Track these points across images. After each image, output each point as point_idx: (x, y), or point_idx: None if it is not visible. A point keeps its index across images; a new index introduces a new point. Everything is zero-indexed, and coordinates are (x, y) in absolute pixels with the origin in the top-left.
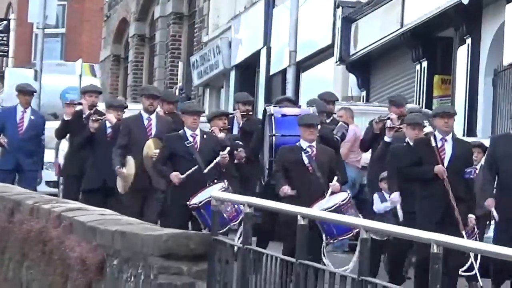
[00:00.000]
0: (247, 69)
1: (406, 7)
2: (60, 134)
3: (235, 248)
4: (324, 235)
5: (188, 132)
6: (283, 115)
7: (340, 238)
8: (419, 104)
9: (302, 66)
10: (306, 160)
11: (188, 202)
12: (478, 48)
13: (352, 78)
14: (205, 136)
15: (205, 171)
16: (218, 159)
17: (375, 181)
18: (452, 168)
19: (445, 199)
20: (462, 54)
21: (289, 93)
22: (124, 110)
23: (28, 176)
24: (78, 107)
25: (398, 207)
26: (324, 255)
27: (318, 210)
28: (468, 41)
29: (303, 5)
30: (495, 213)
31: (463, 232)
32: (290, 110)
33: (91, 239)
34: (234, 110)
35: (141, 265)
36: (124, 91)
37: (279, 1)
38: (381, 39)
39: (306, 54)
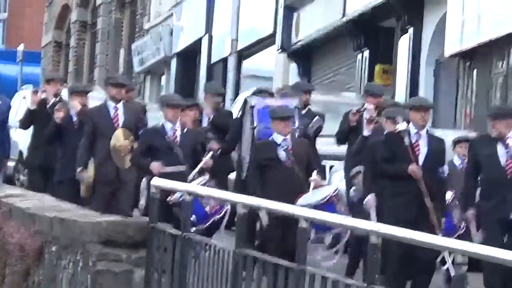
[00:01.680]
0: (188, 57)
1: None
2: (25, 124)
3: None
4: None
5: (168, 126)
6: (266, 106)
7: (329, 231)
8: (360, 93)
9: (244, 54)
10: (282, 156)
11: (168, 199)
12: (419, 38)
13: (294, 67)
14: (185, 130)
15: (190, 177)
16: (201, 164)
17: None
18: (427, 166)
19: (419, 198)
20: (403, 44)
21: (230, 81)
22: (88, 94)
23: None
24: (43, 96)
25: (372, 211)
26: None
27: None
28: (410, 31)
29: None
30: (473, 229)
31: (439, 234)
32: (272, 101)
33: (30, 225)
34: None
35: (79, 252)
36: (66, 76)
37: None
38: (323, 28)
39: (247, 42)
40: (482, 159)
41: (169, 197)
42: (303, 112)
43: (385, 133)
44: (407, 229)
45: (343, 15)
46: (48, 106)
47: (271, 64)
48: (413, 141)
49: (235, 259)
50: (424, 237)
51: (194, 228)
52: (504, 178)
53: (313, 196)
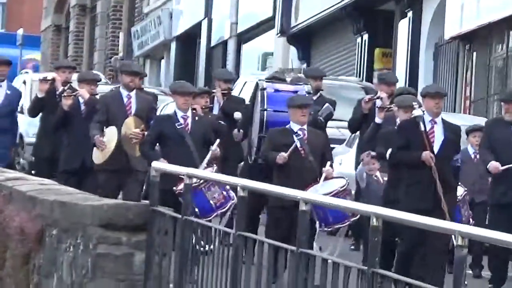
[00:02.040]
0: (188, 41)
1: None
2: (33, 112)
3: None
4: (318, 223)
5: (179, 114)
6: (276, 90)
7: (336, 226)
8: (359, 76)
9: (243, 38)
10: (298, 144)
11: (174, 188)
12: (419, 22)
13: (293, 50)
14: (197, 118)
15: (200, 169)
16: (209, 155)
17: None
18: (442, 154)
19: (433, 187)
20: (403, 28)
21: (230, 64)
22: (98, 83)
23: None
24: (50, 84)
25: (362, 182)
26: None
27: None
28: (410, 14)
29: None
30: (505, 167)
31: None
32: (283, 86)
33: (30, 209)
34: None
35: (80, 235)
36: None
37: None
38: (323, 11)
39: (247, 26)
40: (495, 142)
41: (175, 187)
42: (315, 98)
43: (398, 121)
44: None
45: None
46: (57, 94)
47: (271, 48)
48: (427, 129)
49: (236, 242)
50: (424, 220)
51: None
52: None
53: (322, 188)
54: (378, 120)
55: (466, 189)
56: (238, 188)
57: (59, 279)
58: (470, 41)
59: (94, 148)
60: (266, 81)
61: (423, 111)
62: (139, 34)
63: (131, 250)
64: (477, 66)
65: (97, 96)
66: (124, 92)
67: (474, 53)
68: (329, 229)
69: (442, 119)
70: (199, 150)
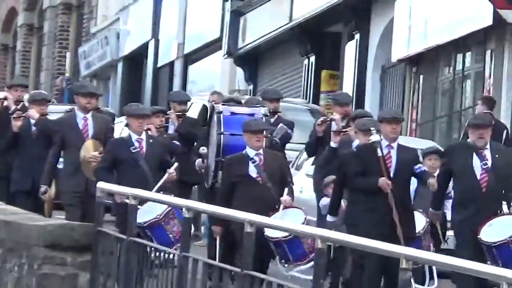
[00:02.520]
0: (135, 61)
1: (295, 1)
2: None
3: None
4: (278, 258)
5: (134, 137)
6: (233, 113)
7: (295, 264)
8: (305, 98)
9: (190, 58)
10: (254, 171)
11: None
12: (366, 44)
13: (240, 72)
14: (151, 140)
15: (153, 191)
16: (165, 177)
17: (320, 186)
18: (398, 177)
19: (388, 213)
20: (350, 50)
21: (176, 85)
22: (48, 103)
23: None
24: (4, 103)
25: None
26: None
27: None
28: (357, 36)
29: None
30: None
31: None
32: (240, 109)
33: None
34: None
35: (25, 255)
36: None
37: None
38: (270, 33)
39: (194, 46)
40: (456, 167)
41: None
42: (272, 120)
43: (356, 145)
44: (351, 235)
45: (290, 20)
46: (10, 112)
47: (218, 69)
48: (385, 153)
49: (181, 263)
50: (369, 243)
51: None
52: (479, 191)
53: (283, 218)
54: (333, 144)
55: (428, 219)
56: (184, 209)
57: None
58: (417, 63)
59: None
60: (222, 104)
61: (381, 136)
62: (86, 54)
63: (76, 271)
64: (424, 88)
65: (48, 116)
66: (80, 115)
67: (421, 76)
68: (290, 266)
69: (398, 143)
70: (154, 173)
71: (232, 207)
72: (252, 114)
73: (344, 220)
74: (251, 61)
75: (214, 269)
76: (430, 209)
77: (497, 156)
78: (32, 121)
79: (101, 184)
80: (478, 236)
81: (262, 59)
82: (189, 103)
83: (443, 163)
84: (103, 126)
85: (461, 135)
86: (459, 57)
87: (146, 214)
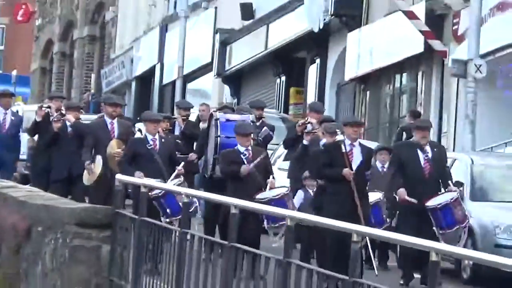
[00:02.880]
0: (145, 80)
1: (270, 34)
2: (31, 132)
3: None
4: (265, 221)
5: (149, 137)
6: (227, 120)
7: (274, 225)
8: (278, 109)
9: (188, 78)
10: (245, 162)
11: (150, 193)
12: (325, 67)
13: (227, 88)
14: (163, 140)
15: (169, 181)
16: (175, 172)
17: (295, 178)
18: (359, 170)
19: (351, 197)
20: (312, 71)
21: (177, 99)
22: (81, 110)
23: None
24: (47, 110)
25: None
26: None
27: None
28: (317, 61)
29: (190, 30)
30: (410, 199)
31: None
32: (233, 116)
33: (21, 210)
34: (173, 114)
35: (59, 231)
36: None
37: (171, 27)
38: (250, 58)
39: (191, 69)
40: (405, 160)
41: (150, 191)
42: (258, 124)
43: (323, 143)
44: (315, 215)
45: (266, 48)
46: (51, 118)
47: (210, 86)
48: (347, 150)
49: (180, 238)
50: (328, 222)
51: (167, 220)
52: (423, 177)
53: (269, 192)
54: (305, 141)
55: (383, 193)
56: (183, 196)
57: (43, 266)
58: (364, 82)
59: (85, 171)
60: (219, 112)
61: (344, 137)
62: (107, 75)
63: (99, 243)
64: (370, 101)
65: (81, 120)
66: (108, 120)
67: (368, 92)
68: (274, 226)
69: (359, 142)
70: (165, 165)
71: (228, 188)
72: (243, 120)
73: (313, 204)
74: (236, 80)
75: (207, 243)
76: (398, 191)
77: (435, 150)
78: (68, 124)
79: (119, 176)
80: (426, 204)
81: (244, 78)
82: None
83: (394, 159)
84: (125, 129)
85: (395, 136)
86: (398, 77)
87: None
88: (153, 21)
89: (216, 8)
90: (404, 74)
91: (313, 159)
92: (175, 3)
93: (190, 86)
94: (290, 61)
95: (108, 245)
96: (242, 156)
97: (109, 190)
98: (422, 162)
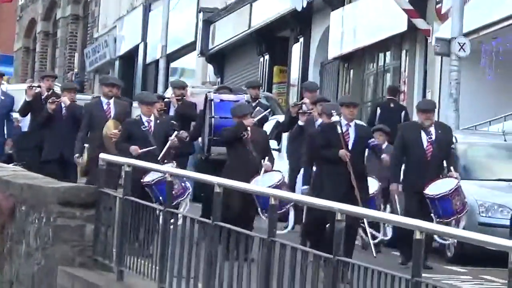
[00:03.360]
0: (128, 59)
1: (253, 12)
2: (23, 112)
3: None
4: (259, 209)
5: (144, 118)
6: (221, 100)
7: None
8: (262, 88)
9: (171, 57)
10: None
11: (142, 180)
12: (308, 46)
13: (210, 67)
14: (158, 121)
15: (159, 157)
16: (168, 144)
17: (292, 156)
18: (355, 150)
19: (347, 178)
20: (296, 50)
21: (161, 79)
22: (76, 91)
23: None
24: (37, 90)
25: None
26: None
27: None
28: (301, 40)
29: (173, 10)
30: (396, 198)
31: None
32: (227, 96)
33: (4, 190)
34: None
35: (43, 211)
36: (32, 75)
37: (154, 6)
38: (233, 37)
39: (174, 48)
40: (408, 142)
41: (142, 178)
42: (254, 104)
43: (319, 124)
44: (296, 194)
45: (249, 27)
46: (42, 98)
47: (193, 65)
48: (344, 130)
49: (164, 217)
50: (307, 199)
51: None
52: (425, 159)
53: (263, 182)
54: (300, 122)
55: (380, 183)
56: (167, 175)
57: (26, 245)
58: (348, 60)
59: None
60: (213, 93)
61: (340, 117)
62: (90, 54)
63: (83, 223)
64: (353, 80)
65: (76, 102)
66: (104, 100)
67: (351, 70)
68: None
69: (355, 122)
70: (160, 146)
71: (223, 170)
72: (237, 101)
73: (312, 186)
74: (219, 59)
75: (192, 221)
76: (392, 183)
77: (439, 132)
78: (63, 105)
79: (102, 155)
80: (424, 192)
81: (227, 57)
82: (170, 93)
83: (398, 140)
84: (122, 110)
85: (370, 113)
86: (381, 55)
87: (154, 174)
88: (136, 0)
89: None
90: (388, 53)
91: (309, 140)
92: None
93: (173, 65)
94: (273, 40)
95: (92, 224)
96: (241, 137)
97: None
98: (425, 144)
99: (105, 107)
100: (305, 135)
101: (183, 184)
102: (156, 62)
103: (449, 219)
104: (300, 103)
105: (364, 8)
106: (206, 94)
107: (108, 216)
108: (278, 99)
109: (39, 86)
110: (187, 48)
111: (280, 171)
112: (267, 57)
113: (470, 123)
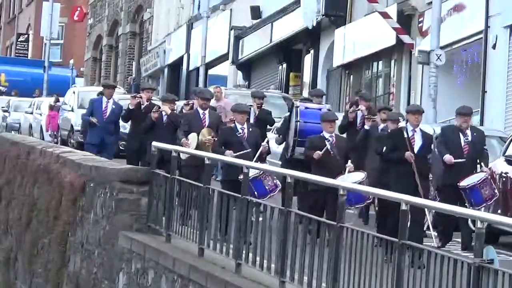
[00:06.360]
0: (175, 67)
1: (274, 30)
2: (125, 119)
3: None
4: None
5: (238, 126)
6: (306, 108)
7: (356, 206)
8: (280, 90)
9: (209, 66)
10: (329, 147)
11: (239, 177)
12: (317, 56)
13: (239, 74)
14: (251, 129)
15: (253, 161)
16: (261, 149)
17: (359, 159)
18: (420, 154)
19: (412, 177)
20: (307, 60)
21: (201, 83)
22: (176, 102)
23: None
24: (139, 100)
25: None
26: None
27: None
28: (311, 51)
29: (210, 28)
30: (455, 161)
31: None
32: (311, 105)
33: (77, 170)
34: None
35: (108, 187)
36: (99, 79)
37: (195, 24)
38: (258, 49)
39: (211, 58)
40: (448, 142)
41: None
42: (257, 111)
43: (381, 128)
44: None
45: (270, 41)
46: (142, 107)
47: (226, 72)
48: (410, 136)
49: (203, 192)
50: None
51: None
52: (461, 157)
53: (347, 179)
54: (367, 127)
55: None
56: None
57: (94, 214)
58: (348, 68)
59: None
60: (299, 101)
61: (406, 123)
62: (145, 63)
63: (139, 196)
64: (352, 84)
65: (176, 111)
66: (200, 111)
67: (351, 76)
68: (351, 208)
69: (420, 129)
70: (253, 151)
71: (312, 170)
72: (320, 109)
73: (377, 179)
74: (247, 67)
75: (224, 195)
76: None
77: (475, 134)
78: (164, 113)
79: (154, 143)
80: (458, 184)
81: (253, 65)
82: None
83: (439, 140)
84: (215, 119)
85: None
86: (375, 64)
87: (252, 171)
88: (181, 20)
89: (231, 9)
90: (380, 62)
91: (377, 142)
92: (199, 5)
93: (210, 72)
94: (289, 51)
95: (146, 198)
96: (327, 142)
97: (201, 167)
98: (463, 144)
99: (201, 117)
100: (370, 137)
101: (275, 181)
102: (197, 69)
103: (480, 207)
104: (356, 109)
105: (362, 26)
106: (293, 102)
107: (159, 191)
108: (293, 99)
109: (141, 97)
110: (222, 58)
111: (363, 172)
112: (284, 65)
113: (445, 118)
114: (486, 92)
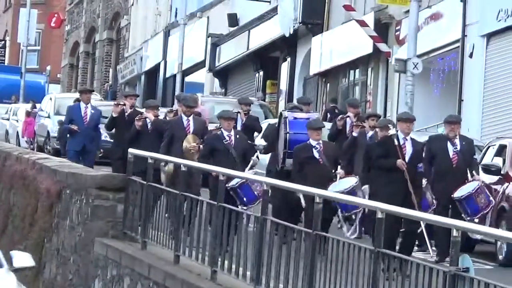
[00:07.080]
0: (152, 74)
1: (251, 37)
2: (109, 127)
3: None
4: (339, 210)
5: (225, 133)
6: (295, 118)
7: (353, 212)
8: (257, 98)
9: (186, 73)
10: (317, 155)
11: (227, 185)
12: (294, 64)
13: (216, 81)
14: (238, 136)
15: (246, 171)
16: (251, 163)
17: (347, 165)
18: (411, 162)
19: (404, 185)
20: (284, 68)
21: (177, 90)
22: (159, 108)
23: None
24: (122, 107)
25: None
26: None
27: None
28: (288, 59)
29: (187, 35)
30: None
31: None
32: (300, 115)
33: (53, 177)
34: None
35: (84, 193)
36: (75, 86)
37: (172, 31)
38: (235, 57)
39: (188, 65)
40: (436, 151)
41: (227, 184)
42: (245, 118)
43: (370, 136)
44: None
45: (247, 49)
46: (126, 114)
47: (203, 79)
48: (401, 143)
49: (180, 200)
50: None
51: (244, 207)
52: (451, 167)
53: (339, 185)
54: (355, 134)
55: (426, 180)
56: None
57: (70, 220)
58: (325, 76)
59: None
60: (288, 111)
61: (397, 131)
62: (122, 69)
63: (115, 203)
64: (329, 92)
65: (159, 117)
66: (184, 117)
67: (328, 84)
68: (345, 215)
69: (411, 137)
70: (240, 159)
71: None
72: (308, 118)
73: (369, 190)
74: (223, 74)
75: (200, 202)
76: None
77: (463, 143)
78: (148, 121)
79: (131, 150)
80: (452, 196)
81: (230, 73)
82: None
83: (426, 152)
84: (201, 126)
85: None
86: (352, 72)
87: (236, 180)
88: (158, 27)
89: (208, 17)
90: (357, 70)
91: (366, 150)
92: (176, 13)
93: (187, 79)
94: (266, 59)
95: (122, 204)
96: (314, 150)
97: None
98: (451, 153)
99: (185, 123)
100: (358, 144)
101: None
102: (174, 76)
103: (477, 216)
104: (345, 116)
105: (339, 34)
106: (281, 112)
107: (135, 198)
108: (270, 106)
109: (124, 104)
110: (198, 66)
111: (356, 177)
112: (261, 73)
113: (422, 126)
114: (462, 100)
